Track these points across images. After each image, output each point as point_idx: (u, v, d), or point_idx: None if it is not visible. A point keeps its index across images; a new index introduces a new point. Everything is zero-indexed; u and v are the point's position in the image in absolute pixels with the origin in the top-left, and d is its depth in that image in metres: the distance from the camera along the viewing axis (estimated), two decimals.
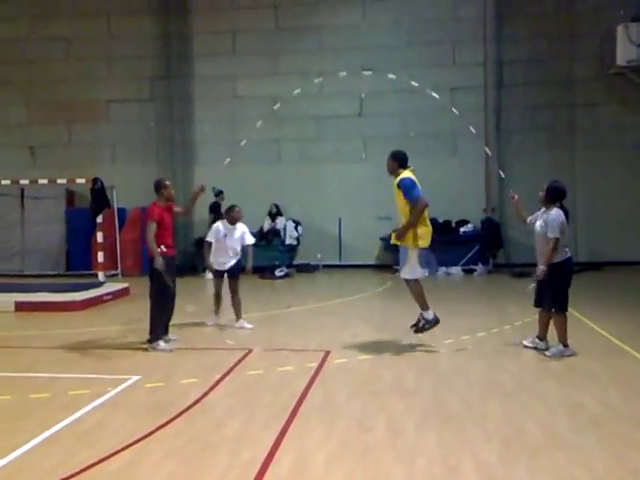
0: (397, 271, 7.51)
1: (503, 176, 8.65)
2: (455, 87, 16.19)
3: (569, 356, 6.91)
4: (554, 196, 7.07)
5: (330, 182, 16.53)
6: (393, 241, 7.43)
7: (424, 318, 7.39)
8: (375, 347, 7.58)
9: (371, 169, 16.15)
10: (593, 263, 14.88)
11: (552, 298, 7.02)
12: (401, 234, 7.18)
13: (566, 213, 7.10)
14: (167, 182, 7.96)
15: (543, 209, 7.19)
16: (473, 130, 9.87)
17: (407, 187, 7.20)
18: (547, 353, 7.00)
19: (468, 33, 16.13)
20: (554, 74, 15.86)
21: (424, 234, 7.23)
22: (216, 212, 14.34)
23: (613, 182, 15.70)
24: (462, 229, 15.76)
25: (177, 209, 8.13)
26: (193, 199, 8.30)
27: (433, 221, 15.34)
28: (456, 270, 15.13)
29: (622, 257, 15.39)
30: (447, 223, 15.83)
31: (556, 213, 6.96)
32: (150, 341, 7.61)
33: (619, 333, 7.96)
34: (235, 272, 8.94)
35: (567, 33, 15.79)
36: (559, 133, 15.94)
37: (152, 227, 7.59)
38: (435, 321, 7.40)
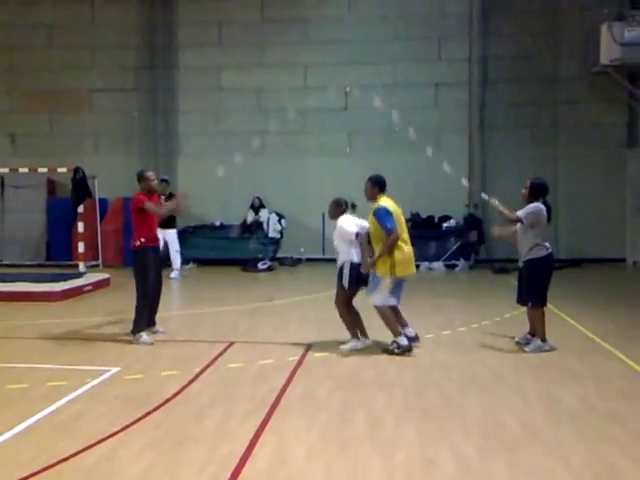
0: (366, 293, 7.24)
1: (466, 185, 8.59)
2: (440, 82, 16.26)
3: (547, 351, 6.96)
4: (537, 192, 7.11)
5: (314, 175, 16.51)
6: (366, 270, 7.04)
7: (397, 343, 7.04)
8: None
9: (355, 163, 16.16)
10: (573, 260, 15.03)
11: (529, 292, 7.06)
12: (373, 264, 6.97)
13: (549, 209, 7.13)
14: (149, 173, 7.83)
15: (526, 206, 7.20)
16: (465, 183, 9.93)
17: (382, 216, 6.97)
18: (526, 349, 7.04)
19: (454, 29, 16.17)
20: (538, 71, 15.96)
21: (401, 261, 6.95)
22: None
23: (594, 179, 15.85)
24: (445, 224, 15.84)
25: (163, 203, 8.11)
26: (176, 206, 8.30)
27: (415, 216, 15.66)
28: (438, 265, 15.20)
29: (602, 254, 15.56)
30: (430, 218, 15.91)
31: (534, 205, 6.99)
32: (133, 332, 7.56)
33: (597, 329, 8.04)
34: None
35: (552, 31, 15.89)
36: (542, 130, 16.05)
37: (149, 205, 7.52)
38: (408, 348, 7.02)
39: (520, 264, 7.21)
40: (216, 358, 6.84)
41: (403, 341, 7.05)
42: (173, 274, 13.23)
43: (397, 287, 7.10)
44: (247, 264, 15.07)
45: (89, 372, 6.23)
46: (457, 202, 15.98)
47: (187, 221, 16.46)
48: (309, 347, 7.31)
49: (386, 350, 7.08)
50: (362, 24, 16.44)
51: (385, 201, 7.14)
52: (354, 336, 7.35)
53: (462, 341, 7.64)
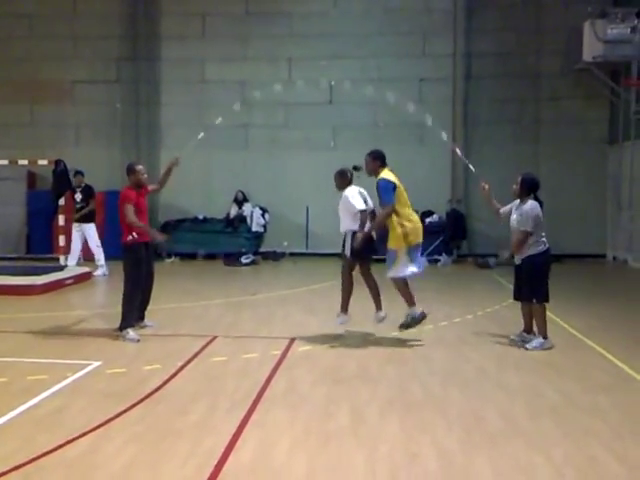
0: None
1: (474, 170, 8.65)
2: (424, 78, 16.28)
3: (549, 349, 6.88)
4: (529, 188, 7.06)
5: (298, 170, 16.48)
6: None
7: (411, 315, 7.33)
8: (340, 335, 7.59)
9: (340, 157, 15.96)
10: (553, 255, 15.11)
11: (533, 290, 6.94)
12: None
13: (541, 204, 7.13)
14: (138, 167, 7.73)
15: (517, 202, 7.12)
16: (444, 137, 9.94)
17: (382, 188, 7.17)
18: (527, 346, 6.92)
19: (438, 25, 16.21)
20: (521, 68, 16.06)
21: (412, 230, 7.17)
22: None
23: (576, 175, 15.99)
24: (427, 219, 15.86)
25: (152, 187, 8.00)
26: (167, 172, 8.10)
27: None
28: (421, 260, 15.23)
29: (582, 250, 15.71)
30: None
31: (532, 205, 6.94)
32: (120, 328, 7.45)
33: (578, 324, 8.12)
34: None
35: (535, 28, 15.99)
36: (525, 126, 16.16)
37: (130, 209, 7.40)
38: (422, 317, 7.34)
39: (517, 261, 7.10)
40: (199, 352, 6.81)
41: (416, 312, 7.25)
42: (97, 272, 12.74)
43: (415, 254, 7.21)
44: (230, 258, 15.02)
45: (70, 366, 6.17)
46: (440, 197, 16.06)
47: (170, 215, 16.38)
48: (292, 341, 7.30)
49: (402, 325, 7.29)
50: (347, 18, 16.42)
51: (387, 174, 7.22)
52: (343, 309, 7.57)
53: (445, 335, 7.67)
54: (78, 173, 13.26)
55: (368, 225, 7.33)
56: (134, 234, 7.49)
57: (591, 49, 14.60)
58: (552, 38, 15.87)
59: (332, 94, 16.54)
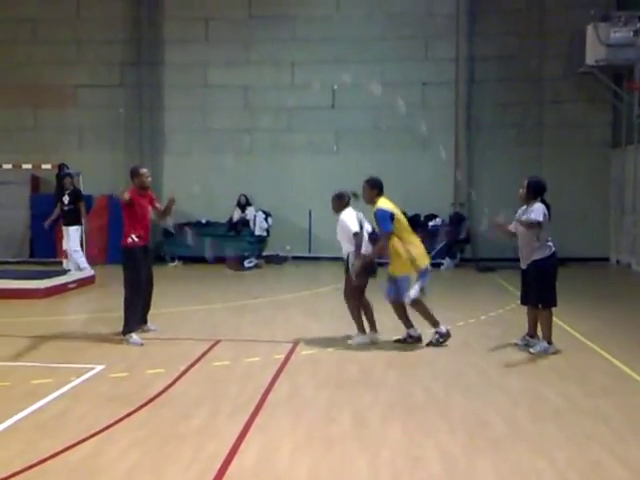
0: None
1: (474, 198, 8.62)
2: (427, 82, 16.29)
3: (553, 353, 6.84)
4: (535, 191, 7.02)
5: (301, 174, 16.49)
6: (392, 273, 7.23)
7: (439, 333, 7.28)
8: (342, 340, 7.58)
9: (342, 161, 16.17)
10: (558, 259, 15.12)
11: (539, 295, 6.90)
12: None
13: (548, 207, 7.07)
14: (142, 170, 7.73)
15: (524, 207, 7.07)
16: (443, 155, 9.95)
17: (380, 218, 7.15)
18: (531, 350, 6.88)
19: (441, 29, 16.21)
20: (524, 71, 16.05)
21: (418, 255, 7.14)
22: None
23: (579, 179, 15.96)
24: (431, 223, 15.88)
25: (158, 206, 7.97)
26: (166, 211, 8.07)
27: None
28: None
29: (585, 253, 15.68)
30: (416, 217, 15.93)
31: (539, 205, 6.90)
32: (123, 333, 7.44)
33: (581, 328, 8.11)
34: None
35: (538, 31, 15.98)
36: (528, 129, 16.15)
37: (124, 194, 7.41)
38: (448, 334, 7.29)
39: (523, 266, 7.05)
40: (202, 356, 6.81)
41: (442, 329, 7.27)
42: (68, 265, 12.59)
43: (423, 276, 7.17)
44: (233, 262, 15.02)
45: (74, 370, 6.18)
46: (443, 200, 16.05)
47: (173, 219, 16.39)
48: (295, 345, 7.30)
49: (430, 343, 7.26)
50: (349, 23, 16.43)
51: (383, 202, 7.24)
52: (361, 330, 7.45)
53: (447, 339, 7.65)
54: (67, 175, 13.21)
55: (366, 248, 7.27)
56: (134, 237, 7.47)
57: (594, 53, 14.59)
58: (555, 42, 15.87)
59: (335, 98, 16.56)
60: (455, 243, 15.63)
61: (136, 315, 7.54)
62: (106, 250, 15.15)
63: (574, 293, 11.22)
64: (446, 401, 5.41)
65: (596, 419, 4.95)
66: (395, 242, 7.13)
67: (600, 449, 4.35)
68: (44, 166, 15.13)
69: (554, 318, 8.57)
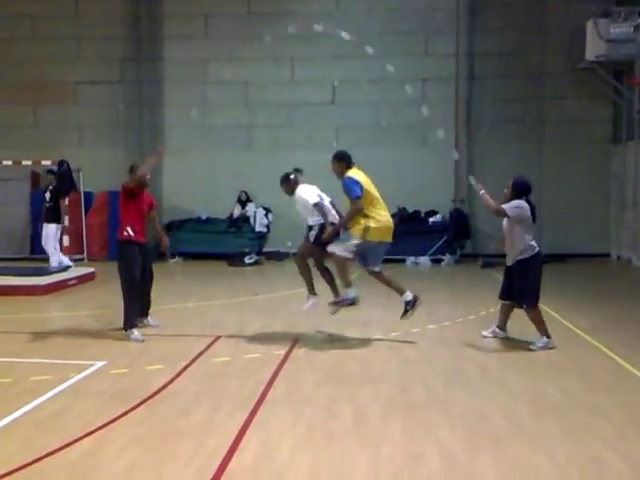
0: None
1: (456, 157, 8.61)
2: (427, 78, 16.27)
3: (551, 348, 6.83)
4: (520, 191, 6.98)
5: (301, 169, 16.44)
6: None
7: (344, 297, 7.34)
8: (342, 335, 7.59)
9: None
10: (557, 255, 15.12)
11: (523, 294, 6.91)
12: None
13: (532, 208, 7.05)
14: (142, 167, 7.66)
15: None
16: (441, 135, 9.93)
17: (347, 185, 7.13)
18: (532, 347, 6.85)
19: (441, 24, 16.17)
20: (524, 67, 16.02)
21: (375, 229, 7.08)
22: None
23: (579, 175, 15.96)
24: (431, 219, 15.87)
25: (153, 213, 8.03)
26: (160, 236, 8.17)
27: (402, 211, 15.67)
28: (424, 260, 15.24)
29: (586, 249, 15.68)
30: (416, 213, 15.93)
31: (518, 201, 6.89)
32: (125, 329, 7.43)
33: (582, 324, 8.10)
34: None
35: (538, 27, 15.95)
36: (528, 126, 16.13)
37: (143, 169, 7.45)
38: (352, 302, 7.34)
39: (508, 263, 7.07)
40: (202, 352, 6.81)
41: (350, 294, 7.28)
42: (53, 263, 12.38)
43: (372, 251, 7.13)
44: (234, 258, 15.01)
45: (74, 366, 6.18)
46: (443, 197, 16.03)
47: (173, 215, 16.40)
48: (295, 341, 7.30)
49: (335, 303, 7.39)
50: (349, 19, 16.38)
51: (353, 172, 7.21)
52: (311, 292, 7.62)
53: (447, 335, 7.66)
54: (49, 172, 13.18)
55: (334, 216, 7.34)
56: (129, 230, 7.42)
57: (594, 48, 14.57)
58: (555, 37, 15.83)
59: (335, 94, 16.53)
60: (455, 239, 15.62)
61: (135, 310, 7.52)
62: (107, 246, 15.16)
63: (575, 289, 11.23)
64: (446, 397, 5.41)
65: (597, 415, 4.94)
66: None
67: (601, 445, 4.34)
68: (44, 162, 15.13)
69: (554, 313, 8.59)
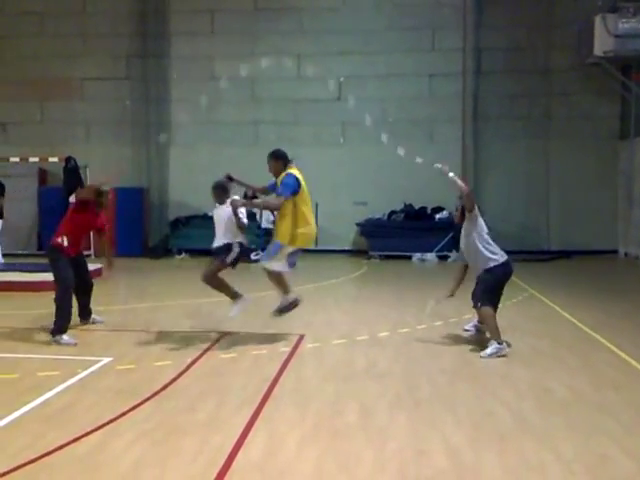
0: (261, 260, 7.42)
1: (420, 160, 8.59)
2: (434, 73, 16.23)
3: (503, 356, 6.39)
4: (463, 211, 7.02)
5: (307, 166, 16.15)
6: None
7: (288, 300, 7.28)
8: (348, 332, 7.59)
9: (349, 154, 16.15)
10: (564, 251, 15.07)
11: (479, 295, 6.76)
12: (246, 204, 7.26)
13: (481, 213, 7.06)
14: (104, 188, 7.60)
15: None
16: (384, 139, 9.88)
17: (286, 181, 7.09)
18: (481, 354, 6.45)
19: (448, 19, 16.13)
20: (532, 63, 15.97)
21: (304, 236, 7.09)
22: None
23: (587, 171, 15.89)
24: (437, 216, 15.83)
25: (103, 238, 8.04)
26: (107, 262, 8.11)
27: (408, 208, 15.64)
28: (431, 256, 15.22)
29: (593, 246, 15.62)
30: (423, 209, 15.89)
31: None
32: (52, 334, 7.00)
33: (588, 320, 8.07)
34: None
35: (545, 22, 15.89)
36: (535, 121, 16.07)
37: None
38: (296, 303, 7.27)
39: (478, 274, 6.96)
40: (208, 348, 6.83)
41: (291, 297, 7.24)
42: None
43: (293, 255, 7.18)
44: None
45: (81, 362, 6.20)
46: (450, 193, 15.95)
47: (179, 212, 16.43)
48: (301, 338, 7.30)
49: (277, 310, 7.31)
50: (356, 14, 16.37)
51: (294, 171, 7.21)
52: (236, 297, 7.57)
53: (454, 331, 7.65)
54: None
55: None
56: (64, 239, 7.19)
57: (602, 44, 14.49)
58: (563, 33, 15.76)
59: (341, 90, 16.51)
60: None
61: (66, 316, 7.10)
62: (113, 243, 15.16)
63: (582, 285, 11.20)
64: (451, 393, 5.40)
65: (603, 412, 4.92)
66: (289, 210, 7.02)
67: (608, 442, 4.32)
68: (51, 159, 15.19)
69: (561, 310, 8.57)
